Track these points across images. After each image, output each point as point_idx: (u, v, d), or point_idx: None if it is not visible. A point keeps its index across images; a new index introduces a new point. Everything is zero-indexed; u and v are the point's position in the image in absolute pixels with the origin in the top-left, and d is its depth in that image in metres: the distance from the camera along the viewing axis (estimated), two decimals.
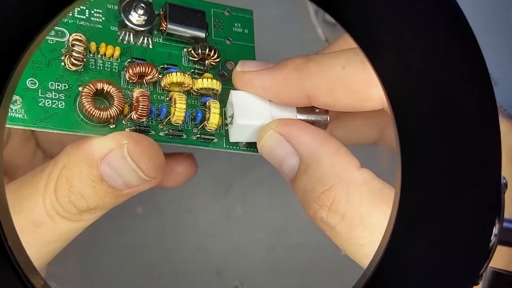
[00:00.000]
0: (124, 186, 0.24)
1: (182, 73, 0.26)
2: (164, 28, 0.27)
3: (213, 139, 0.27)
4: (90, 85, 0.25)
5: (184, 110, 0.25)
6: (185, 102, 0.26)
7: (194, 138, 0.26)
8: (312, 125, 0.25)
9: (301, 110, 0.26)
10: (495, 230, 0.17)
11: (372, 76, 0.23)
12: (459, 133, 0.16)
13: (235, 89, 0.26)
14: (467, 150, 0.16)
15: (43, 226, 0.24)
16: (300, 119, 0.26)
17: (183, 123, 0.26)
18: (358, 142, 0.32)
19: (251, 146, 0.27)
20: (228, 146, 0.27)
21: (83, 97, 0.24)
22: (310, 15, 0.40)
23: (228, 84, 0.28)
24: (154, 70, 0.26)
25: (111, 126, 0.25)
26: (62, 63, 0.25)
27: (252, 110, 0.26)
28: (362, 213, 0.23)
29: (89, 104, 0.24)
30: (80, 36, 0.25)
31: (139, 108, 0.25)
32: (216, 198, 0.41)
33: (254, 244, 0.41)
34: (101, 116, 0.24)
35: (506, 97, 0.38)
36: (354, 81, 0.23)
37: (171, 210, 0.42)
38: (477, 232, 0.16)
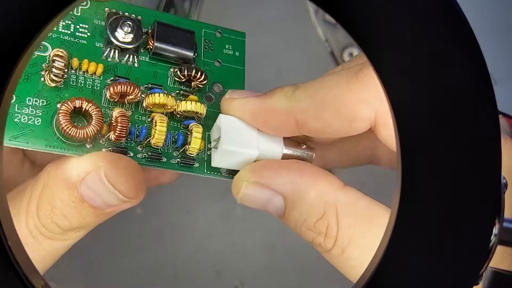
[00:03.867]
0: (105, 206, 0.24)
1: (165, 95, 0.25)
2: (151, 47, 0.26)
3: (193, 164, 0.26)
4: (69, 102, 0.24)
5: (165, 133, 0.25)
6: (166, 124, 0.25)
7: (173, 162, 0.25)
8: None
9: (288, 143, 0.26)
10: (495, 230, 0.17)
11: (359, 96, 0.23)
12: (459, 133, 0.16)
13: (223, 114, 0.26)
14: (467, 150, 0.16)
15: (27, 247, 0.24)
16: (284, 153, 0.26)
17: (163, 146, 0.25)
18: (351, 165, 0.32)
19: (233, 173, 0.26)
20: (209, 172, 0.26)
21: (60, 115, 0.24)
22: (310, 15, 0.41)
23: (214, 107, 0.27)
24: (136, 90, 0.25)
25: (87, 146, 0.24)
26: (42, 78, 0.24)
27: (240, 137, 0.25)
28: (350, 235, 0.23)
29: (66, 122, 0.24)
30: (61, 52, 0.24)
31: (118, 129, 0.24)
32: (216, 199, 0.41)
33: (254, 244, 0.41)
34: (77, 135, 0.24)
35: (506, 97, 0.38)
36: (341, 103, 0.23)
37: (171, 211, 0.42)
38: (477, 232, 0.16)
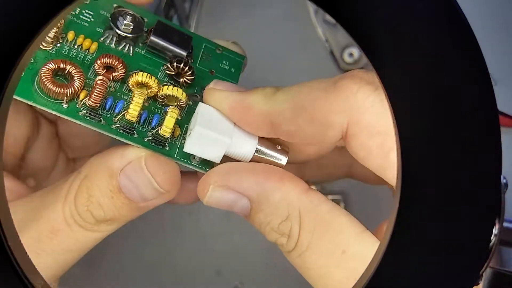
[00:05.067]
0: (140, 199, 0.25)
1: (149, 75, 0.26)
2: (148, 41, 0.27)
3: (165, 145, 0.26)
4: (55, 61, 0.25)
5: (140, 106, 0.25)
6: (143, 99, 0.25)
7: (145, 140, 0.25)
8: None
9: (262, 141, 0.26)
10: (495, 230, 0.17)
11: (333, 105, 0.23)
12: (459, 133, 0.16)
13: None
14: (467, 150, 0.16)
15: (60, 233, 0.25)
16: (258, 149, 0.26)
17: (137, 122, 0.25)
18: (329, 179, 0.33)
19: (204, 164, 0.26)
20: (179, 158, 0.26)
21: (44, 68, 0.25)
22: (310, 15, 0.41)
23: (197, 105, 0.27)
24: (123, 66, 0.26)
25: (63, 105, 0.25)
26: None
27: (216, 123, 0.25)
28: (309, 239, 0.24)
29: (47, 75, 0.24)
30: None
31: (94, 92, 0.25)
32: None
33: (254, 244, 0.41)
34: (55, 90, 0.24)
35: (506, 97, 0.38)
36: (316, 109, 0.24)
37: (171, 211, 0.42)
38: (477, 232, 0.16)
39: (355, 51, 0.41)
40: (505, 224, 0.20)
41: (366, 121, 0.23)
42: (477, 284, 0.17)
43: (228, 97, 0.25)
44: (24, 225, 0.25)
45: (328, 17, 0.40)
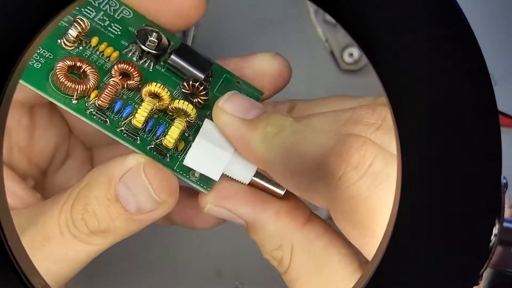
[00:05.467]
0: (135, 210, 0.24)
1: (163, 86, 0.26)
2: (168, 60, 0.27)
3: (166, 156, 0.26)
4: (72, 58, 0.25)
5: (147, 112, 0.25)
6: (152, 106, 0.25)
7: (147, 148, 0.25)
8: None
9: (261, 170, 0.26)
10: (495, 230, 0.17)
11: (321, 181, 0.22)
12: (459, 133, 0.16)
13: None
14: (467, 150, 0.16)
15: (52, 241, 0.25)
16: (257, 171, 0.26)
17: (142, 129, 0.26)
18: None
19: (203, 181, 0.26)
20: (178, 171, 0.26)
21: (59, 62, 0.25)
22: (310, 15, 0.41)
23: None
24: (138, 75, 0.26)
25: (73, 101, 0.25)
26: (59, 40, 0.26)
27: (217, 139, 0.25)
28: (300, 273, 0.25)
29: (61, 70, 0.25)
30: (82, 21, 0.26)
31: (104, 92, 0.25)
32: None
33: (254, 244, 0.41)
34: (66, 85, 0.25)
35: (506, 97, 0.38)
36: (305, 175, 0.24)
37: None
38: (477, 232, 0.16)
39: (355, 51, 0.41)
40: (505, 224, 0.20)
41: (343, 209, 0.22)
42: (477, 284, 0.17)
43: (231, 124, 0.25)
44: (22, 232, 0.25)
45: (328, 17, 0.40)
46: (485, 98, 0.16)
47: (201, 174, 0.26)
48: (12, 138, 0.30)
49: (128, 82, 0.26)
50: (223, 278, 0.41)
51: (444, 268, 0.16)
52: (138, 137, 0.26)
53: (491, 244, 0.17)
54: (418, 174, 0.16)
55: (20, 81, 0.25)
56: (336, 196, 0.22)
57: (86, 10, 0.27)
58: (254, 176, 0.26)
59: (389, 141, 0.23)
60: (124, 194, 0.24)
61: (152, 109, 0.25)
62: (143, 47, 0.27)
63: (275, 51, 0.30)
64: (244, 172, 0.26)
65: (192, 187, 0.26)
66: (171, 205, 0.25)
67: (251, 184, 0.26)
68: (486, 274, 0.22)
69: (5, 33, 0.16)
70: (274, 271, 0.28)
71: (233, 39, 0.40)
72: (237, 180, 0.26)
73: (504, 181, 0.20)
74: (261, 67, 0.29)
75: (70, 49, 0.26)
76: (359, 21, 0.15)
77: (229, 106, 0.25)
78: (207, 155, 0.25)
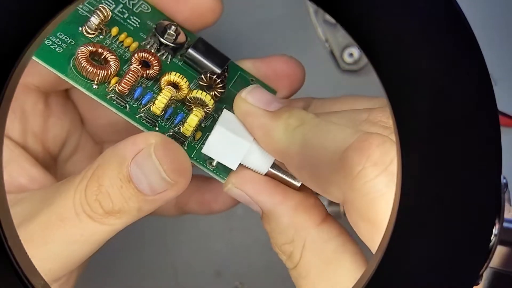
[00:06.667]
0: (148, 190, 0.24)
1: (182, 75, 0.26)
2: (185, 54, 0.28)
3: (184, 144, 0.26)
4: (94, 45, 0.26)
5: (167, 99, 0.25)
6: (171, 94, 0.26)
7: (165, 135, 0.26)
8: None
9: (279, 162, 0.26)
10: (495, 230, 0.17)
11: (333, 175, 0.23)
12: (459, 133, 0.16)
13: None
14: (467, 150, 0.16)
15: (68, 221, 0.25)
16: (275, 162, 0.26)
17: (161, 116, 0.26)
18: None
19: (220, 170, 0.26)
20: (195, 159, 0.26)
21: (81, 47, 0.25)
22: (310, 15, 0.41)
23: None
24: (158, 64, 0.26)
25: (94, 86, 0.26)
26: (80, 28, 0.26)
27: (237, 128, 0.25)
28: (308, 271, 0.25)
29: (83, 55, 0.25)
30: (104, 9, 0.26)
31: (125, 79, 0.25)
32: None
33: (254, 244, 0.41)
34: (88, 69, 0.25)
35: (506, 97, 0.38)
36: (320, 172, 0.24)
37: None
38: (477, 232, 0.16)
39: (355, 51, 0.41)
40: (505, 224, 0.20)
41: (358, 204, 0.22)
42: (477, 284, 0.17)
43: (254, 113, 0.25)
44: (36, 212, 0.25)
45: (328, 17, 0.40)
46: (485, 98, 0.16)
47: (218, 163, 0.26)
48: (28, 122, 0.30)
49: (148, 71, 0.26)
50: (223, 278, 0.41)
51: (444, 268, 0.16)
52: (156, 124, 0.26)
53: (491, 244, 0.17)
54: (418, 174, 0.16)
55: (43, 63, 0.25)
56: (353, 191, 0.22)
57: (106, 1, 0.28)
58: (271, 167, 0.26)
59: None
60: (137, 174, 0.24)
61: (171, 97, 0.26)
62: (162, 40, 0.27)
63: (275, 51, 0.30)
64: (262, 162, 0.26)
65: (209, 175, 0.26)
66: (184, 186, 0.25)
67: (267, 175, 0.26)
68: (486, 274, 0.22)
69: (5, 33, 0.16)
70: (274, 271, 0.28)
71: (233, 39, 0.40)
72: (254, 170, 0.26)
73: (504, 181, 0.20)
74: (276, 68, 0.29)
75: (91, 37, 0.26)
76: (359, 21, 0.15)
77: (251, 97, 0.25)
78: (226, 144, 0.25)
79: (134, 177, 0.24)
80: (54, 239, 0.25)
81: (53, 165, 0.32)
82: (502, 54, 0.40)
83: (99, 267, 0.38)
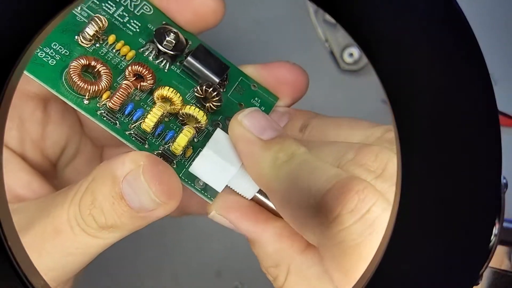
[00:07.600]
0: (139, 208, 0.24)
1: (175, 91, 0.26)
2: (184, 62, 0.27)
3: (173, 163, 0.26)
4: (87, 57, 0.25)
5: (157, 117, 0.25)
6: (162, 112, 0.25)
7: (154, 153, 0.25)
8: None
9: None
10: (495, 230, 0.17)
11: (314, 220, 0.22)
12: (459, 133, 0.16)
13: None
14: (467, 150, 0.16)
15: (62, 234, 0.25)
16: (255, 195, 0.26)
17: (151, 133, 0.26)
18: None
19: (207, 191, 0.26)
20: (184, 178, 0.26)
21: (74, 62, 0.25)
22: (310, 15, 0.41)
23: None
24: (152, 77, 0.26)
25: (84, 101, 0.25)
26: (76, 37, 0.26)
27: (226, 151, 0.25)
28: None
29: (75, 70, 0.25)
30: (101, 19, 0.26)
31: (116, 95, 0.25)
32: None
33: None
34: (79, 84, 0.25)
35: (506, 97, 0.38)
36: (299, 216, 0.24)
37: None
38: (477, 232, 0.16)
39: (355, 51, 0.41)
40: (505, 224, 0.20)
41: (331, 251, 0.22)
42: (477, 284, 0.17)
43: (246, 139, 0.25)
44: (33, 223, 0.25)
45: (328, 17, 0.40)
46: (485, 98, 0.16)
47: (205, 183, 0.26)
48: (26, 130, 0.30)
49: (142, 84, 0.26)
50: (223, 278, 0.41)
51: (444, 268, 0.16)
52: (146, 141, 0.26)
53: (491, 244, 0.17)
54: (418, 174, 0.16)
55: (34, 78, 0.25)
56: (328, 237, 0.22)
57: (107, 5, 0.27)
58: (257, 192, 0.26)
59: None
60: (129, 192, 0.24)
61: (162, 115, 0.25)
62: (160, 47, 0.27)
63: (275, 51, 0.30)
64: (248, 188, 0.26)
65: (196, 195, 0.26)
66: (174, 206, 0.25)
67: (253, 200, 0.26)
68: (486, 274, 0.22)
69: (5, 33, 0.16)
70: None
71: (233, 39, 0.40)
72: (240, 194, 0.26)
73: (504, 181, 0.20)
74: (279, 75, 0.29)
75: (87, 46, 0.26)
76: (359, 21, 0.15)
77: (247, 121, 0.25)
78: (213, 166, 0.25)
79: (126, 194, 0.24)
80: (50, 250, 0.25)
81: (52, 171, 0.32)
82: (502, 54, 0.40)
83: (99, 267, 0.38)
